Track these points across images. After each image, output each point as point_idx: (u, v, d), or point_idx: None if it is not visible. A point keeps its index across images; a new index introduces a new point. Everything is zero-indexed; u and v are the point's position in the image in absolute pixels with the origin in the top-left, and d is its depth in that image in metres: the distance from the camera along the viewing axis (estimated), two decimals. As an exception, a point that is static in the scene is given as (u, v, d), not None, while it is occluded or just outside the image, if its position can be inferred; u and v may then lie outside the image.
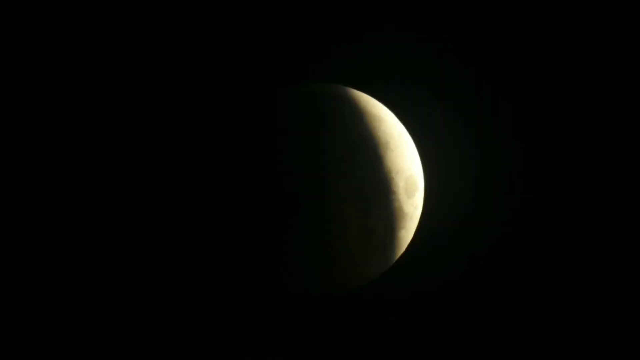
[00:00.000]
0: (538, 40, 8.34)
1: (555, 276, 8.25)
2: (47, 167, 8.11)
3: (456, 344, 8.15)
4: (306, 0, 8.25)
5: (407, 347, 8.13)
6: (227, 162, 6.90)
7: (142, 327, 8.04)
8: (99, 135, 8.21)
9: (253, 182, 6.63)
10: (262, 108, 7.02)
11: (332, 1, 8.31)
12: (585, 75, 8.34)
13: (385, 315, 8.13)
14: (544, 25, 8.31)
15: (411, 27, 8.38)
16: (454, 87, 8.40)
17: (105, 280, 8.10)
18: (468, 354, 8.14)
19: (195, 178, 7.95)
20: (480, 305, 8.25)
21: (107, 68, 8.21)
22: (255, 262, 6.98)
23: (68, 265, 8.10)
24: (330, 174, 6.47)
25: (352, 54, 8.31)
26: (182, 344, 8.02)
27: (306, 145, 6.53)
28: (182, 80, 8.26)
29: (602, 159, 8.28)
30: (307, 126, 6.62)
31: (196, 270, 8.08)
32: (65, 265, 8.09)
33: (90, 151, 8.18)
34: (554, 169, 8.36)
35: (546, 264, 8.27)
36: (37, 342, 7.97)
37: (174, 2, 8.20)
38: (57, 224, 8.09)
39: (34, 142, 8.11)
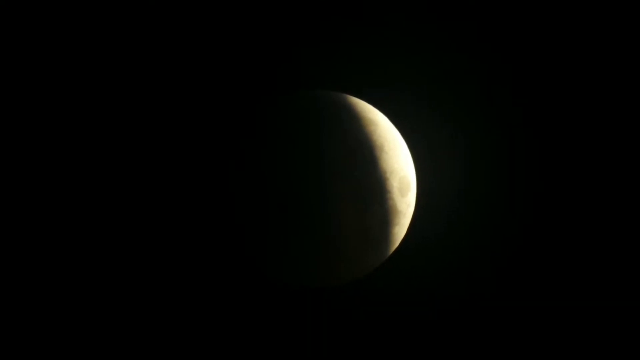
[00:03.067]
0: (528, 45, 8.42)
1: (544, 268, 8.34)
2: (59, 173, 8.15)
3: (447, 333, 8.22)
4: (308, 17, 8.34)
5: (401, 334, 8.19)
6: (233, 162, 6.99)
7: (143, 322, 8.07)
8: (101, 136, 8.22)
9: (257, 182, 6.72)
10: (267, 113, 7.12)
11: (331, 16, 8.40)
12: (576, 78, 8.40)
13: (380, 305, 8.22)
14: (535, 29, 8.36)
15: (405, 36, 8.47)
16: (445, 94, 8.49)
17: (108, 275, 8.11)
18: (458, 342, 8.20)
19: (200, 179, 8.07)
20: (470, 297, 8.31)
21: (116, 74, 8.27)
22: (259, 257, 7.08)
23: (67, 263, 8.11)
24: (329, 174, 6.57)
25: (350, 63, 8.42)
26: (188, 336, 8.10)
27: (307, 147, 6.64)
28: (189, 87, 8.34)
29: (591, 159, 8.35)
30: (307, 130, 6.73)
31: (202, 268, 8.15)
32: (64, 263, 8.10)
33: (94, 151, 8.19)
34: (541, 170, 8.44)
35: (533, 257, 8.37)
36: (50, 341, 7.99)
37: (180, 8, 8.27)
38: (57, 224, 8.09)
39: (42, 144, 8.15)
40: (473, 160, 8.45)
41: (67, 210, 8.12)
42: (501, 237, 8.41)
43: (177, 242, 8.16)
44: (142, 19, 8.27)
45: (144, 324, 8.07)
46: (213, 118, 8.25)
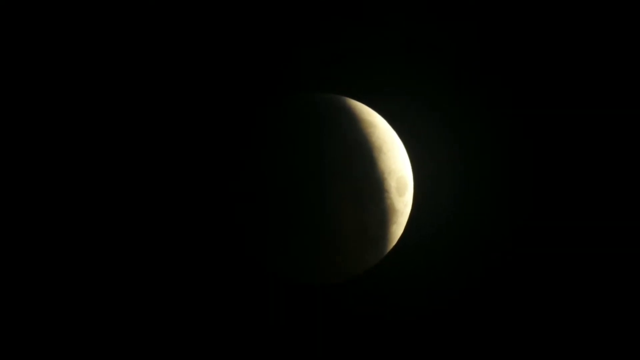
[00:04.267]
0: (528, 46, 8.44)
1: (541, 268, 8.36)
2: (59, 174, 8.16)
3: (444, 331, 8.29)
4: (308, 18, 8.42)
5: (398, 332, 8.27)
6: (235, 163, 7.10)
7: (143, 322, 8.10)
8: (102, 135, 8.24)
9: (258, 182, 6.82)
10: (268, 114, 7.21)
11: (332, 17, 8.46)
12: (576, 79, 8.42)
13: (379, 302, 8.30)
14: (535, 30, 8.38)
15: (405, 37, 8.53)
16: (441, 97, 8.55)
17: (108, 276, 8.13)
18: (455, 340, 8.27)
19: (203, 179, 8.10)
20: (466, 295, 8.39)
21: (116, 74, 8.29)
22: (261, 255, 7.20)
23: (68, 263, 8.11)
24: (329, 174, 6.68)
25: (350, 65, 8.48)
26: (187, 336, 8.16)
27: (307, 148, 6.74)
28: (189, 88, 8.38)
29: (590, 161, 8.37)
30: (308, 131, 6.83)
31: (202, 268, 8.20)
32: (65, 262, 8.10)
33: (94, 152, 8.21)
34: (539, 170, 8.47)
35: (531, 256, 8.39)
36: (51, 341, 7.98)
37: (180, 9, 8.30)
38: (57, 224, 8.09)
39: (47, 145, 8.16)
40: (470, 160, 8.53)
41: (67, 211, 8.13)
42: (499, 235, 8.48)
43: (177, 241, 8.21)
44: (142, 19, 8.30)
45: (143, 325, 8.11)
46: (213, 118, 8.31)
